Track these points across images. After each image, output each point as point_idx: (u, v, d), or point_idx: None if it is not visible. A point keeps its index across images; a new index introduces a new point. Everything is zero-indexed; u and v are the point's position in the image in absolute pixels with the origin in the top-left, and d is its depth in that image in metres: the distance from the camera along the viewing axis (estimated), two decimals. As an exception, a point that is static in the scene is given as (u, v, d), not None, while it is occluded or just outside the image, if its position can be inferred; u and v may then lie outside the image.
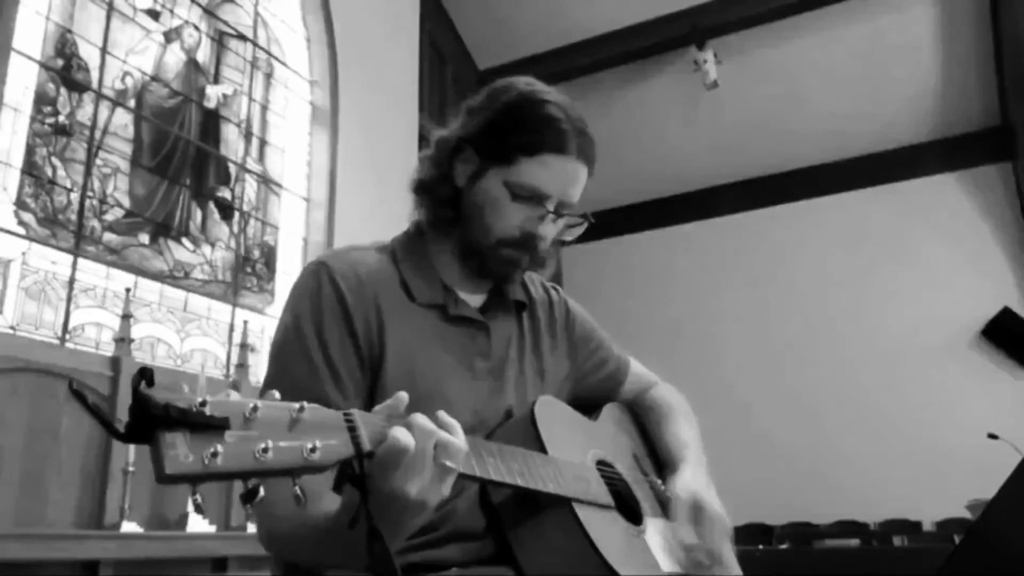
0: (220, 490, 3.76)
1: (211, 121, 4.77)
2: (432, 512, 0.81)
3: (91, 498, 3.28)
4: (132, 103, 4.26)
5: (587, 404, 1.33)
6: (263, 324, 4.74)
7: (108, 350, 3.67)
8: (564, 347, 1.34)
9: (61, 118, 3.84)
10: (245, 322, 4.40)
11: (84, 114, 3.95)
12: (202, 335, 4.41)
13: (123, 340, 3.58)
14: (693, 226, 7.97)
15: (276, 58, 5.35)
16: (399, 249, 1.21)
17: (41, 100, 3.76)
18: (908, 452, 6.33)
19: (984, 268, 6.68)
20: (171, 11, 4.61)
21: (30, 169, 3.66)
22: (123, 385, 3.41)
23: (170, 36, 4.58)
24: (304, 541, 0.93)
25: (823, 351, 7.04)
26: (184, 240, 4.43)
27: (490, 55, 7.37)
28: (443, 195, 1.18)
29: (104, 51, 4.12)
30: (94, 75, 4.04)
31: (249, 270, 4.85)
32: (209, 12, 4.89)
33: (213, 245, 4.61)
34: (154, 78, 4.42)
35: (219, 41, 4.95)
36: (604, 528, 1.03)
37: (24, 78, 3.69)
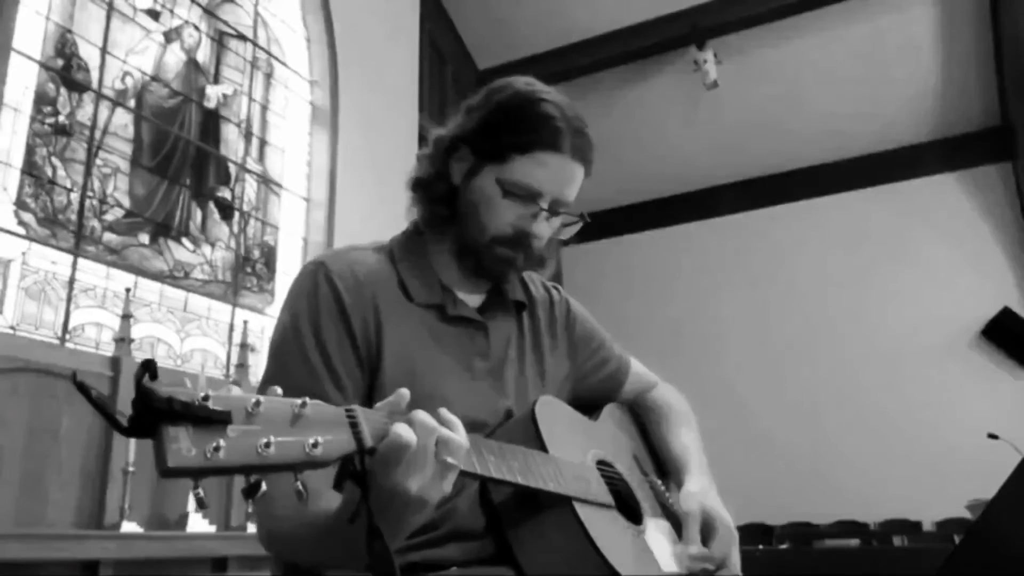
0: (220, 490, 3.76)
1: (211, 121, 4.77)
2: (433, 510, 0.81)
3: (91, 498, 3.28)
4: (132, 103, 4.26)
5: (587, 404, 1.32)
6: (263, 324, 4.74)
7: (108, 350, 3.67)
8: (564, 347, 1.34)
9: (61, 118, 3.84)
10: (245, 322, 4.40)
11: (84, 114, 3.95)
12: (202, 335, 4.41)
13: (123, 340, 3.58)
14: (693, 226, 7.97)
15: (276, 58, 5.35)
16: (397, 249, 1.21)
17: (41, 100, 3.76)
18: (908, 452, 6.33)
19: (984, 268, 6.68)
20: (171, 11, 4.61)
21: (30, 169, 3.66)
22: (123, 385, 3.41)
23: (170, 36, 4.58)
24: (304, 540, 0.93)
25: (823, 351, 7.04)
26: (184, 240, 4.43)
27: (490, 55, 7.37)
28: (439, 193, 1.18)
29: (104, 51, 4.12)
30: (94, 75, 4.04)
31: (249, 270, 4.85)
32: (209, 12, 4.89)
33: (213, 245, 4.61)
34: (154, 78, 4.42)
35: (219, 41, 4.95)
36: (604, 527, 1.03)
37: (24, 78, 3.69)
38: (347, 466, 0.73)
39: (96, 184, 3.96)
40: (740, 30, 6.71)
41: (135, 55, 4.32)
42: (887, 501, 6.25)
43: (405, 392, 0.80)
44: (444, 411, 0.81)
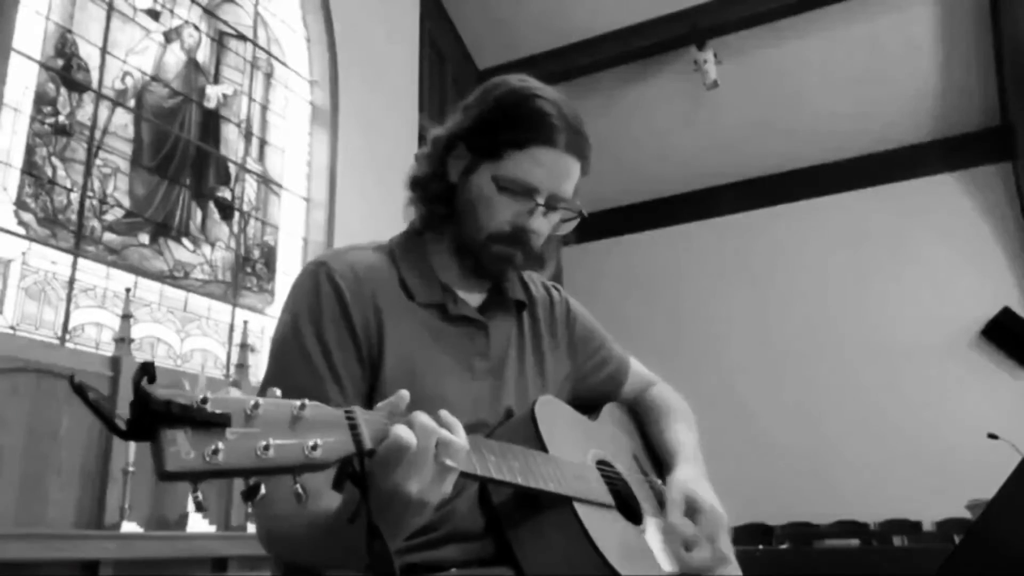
0: (220, 490, 3.76)
1: (211, 121, 4.77)
2: (432, 511, 0.81)
3: (91, 498, 3.28)
4: (132, 103, 4.26)
5: (587, 404, 1.32)
6: (263, 324, 4.74)
7: (108, 350, 3.67)
8: (564, 347, 1.34)
9: (61, 118, 3.84)
10: (245, 322, 4.40)
11: (84, 114, 3.95)
12: (202, 335, 4.41)
13: (123, 340, 3.58)
14: (693, 226, 7.96)
15: (276, 58, 5.35)
16: (398, 248, 1.21)
17: (41, 100, 3.76)
18: (908, 452, 6.33)
19: (984, 268, 6.68)
20: (171, 11, 4.61)
21: (30, 169, 3.66)
22: (123, 385, 3.41)
23: (170, 36, 4.58)
24: (304, 540, 0.92)
25: (823, 351, 7.03)
26: (184, 240, 4.43)
27: (490, 55, 7.37)
28: (436, 192, 1.18)
29: (104, 51, 4.12)
30: (94, 75, 4.04)
31: (249, 270, 4.85)
32: (209, 12, 4.89)
33: (213, 245, 4.61)
34: (154, 78, 4.42)
35: (219, 41, 4.95)
36: (604, 527, 1.03)
37: (24, 78, 3.69)
38: (346, 468, 0.73)
39: (96, 184, 3.96)
40: (740, 30, 6.71)
41: (135, 55, 4.32)
42: (887, 501, 6.25)
43: (405, 393, 0.80)
44: (444, 413, 0.81)
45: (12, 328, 3.43)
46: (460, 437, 0.80)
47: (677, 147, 7.62)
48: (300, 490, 0.66)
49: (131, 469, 3.29)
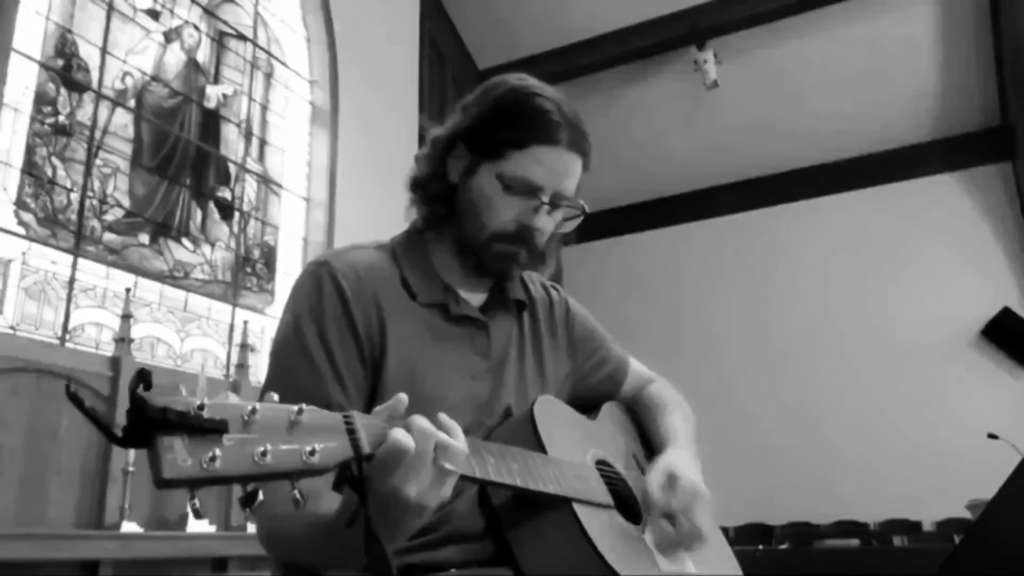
0: (220, 490, 3.76)
1: (211, 121, 4.77)
2: (431, 514, 0.80)
3: (91, 498, 3.28)
4: (132, 103, 4.26)
5: (587, 404, 1.32)
6: (263, 324, 4.74)
7: (108, 350, 3.67)
8: (564, 346, 1.34)
9: (61, 118, 3.84)
10: (245, 322, 4.40)
11: (84, 114, 3.95)
12: (202, 335, 4.41)
13: (123, 340, 3.58)
14: (693, 226, 7.96)
15: (276, 58, 5.35)
16: (399, 248, 1.20)
17: (41, 100, 3.76)
18: (908, 452, 6.33)
19: (984, 268, 6.68)
20: (171, 11, 4.61)
21: (30, 169, 3.66)
22: (123, 385, 3.40)
23: (170, 36, 4.58)
24: (303, 541, 0.92)
25: (823, 351, 7.03)
26: (184, 240, 4.43)
27: (490, 55, 7.37)
28: (437, 192, 1.18)
29: (104, 51, 4.12)
30: (94, 75, 4.04)
31: (249, 270, 4.85)
32: (209, 12, 4.89)
33: (213, 245, 4.61)
34: (154, 78, 4.42)
35: (219, 41, 4.95)
36: (604, 528, 1.02)
37: (24, 78, 3.69)
38: (345, 472, 0.72)
39: (96, 184, 3.96)
40: (740, 30, 6.71)
41: (135, 55, 4.32)
42: (887, 501, 6.25)
43: (404, 397, 0.80)
44: (443, 416, 0.81)
45: (12, 328, 3.44)
46: (459, 440, 0.80)
47: (677, 147, 7.62)
48: (298, 495, 0.66)
49: (131, 469, 3.29)
